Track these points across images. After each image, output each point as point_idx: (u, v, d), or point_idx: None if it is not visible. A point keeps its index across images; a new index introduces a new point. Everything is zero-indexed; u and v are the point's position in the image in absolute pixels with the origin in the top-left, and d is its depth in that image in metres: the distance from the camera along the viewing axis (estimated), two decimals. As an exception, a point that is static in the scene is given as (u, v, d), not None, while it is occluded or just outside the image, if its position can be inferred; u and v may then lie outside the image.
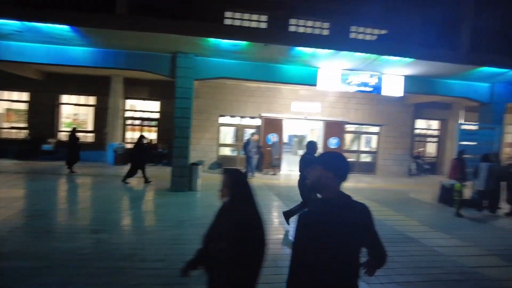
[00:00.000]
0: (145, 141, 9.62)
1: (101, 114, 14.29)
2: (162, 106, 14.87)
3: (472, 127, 10.76)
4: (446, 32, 16.03)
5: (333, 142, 14.45)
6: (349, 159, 1.98)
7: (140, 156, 9.57)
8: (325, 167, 1.79)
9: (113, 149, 13.62)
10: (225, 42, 8.22)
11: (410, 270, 4.45)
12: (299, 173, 5.34)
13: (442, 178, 15.08)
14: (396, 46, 9.16)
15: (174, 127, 9.28)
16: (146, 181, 9.77)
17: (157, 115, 15.05)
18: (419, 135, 16.80)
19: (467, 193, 8.71)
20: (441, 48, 11.36)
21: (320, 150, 14.79)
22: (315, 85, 9.78)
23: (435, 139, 16.99)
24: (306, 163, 5.12)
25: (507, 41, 17.56)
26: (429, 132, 16.96)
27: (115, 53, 9.24)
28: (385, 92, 10.26)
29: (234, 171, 2.19)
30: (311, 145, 5.28)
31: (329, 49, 8.50)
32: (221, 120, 14.21)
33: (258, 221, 2.01)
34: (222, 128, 14.33)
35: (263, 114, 14.06)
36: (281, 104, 14.11)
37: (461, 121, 15.58)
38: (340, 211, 1.72)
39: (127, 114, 14.94)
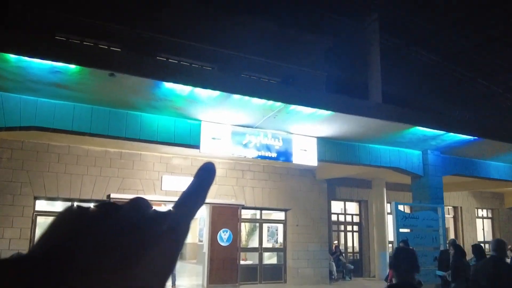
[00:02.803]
0: None
1: None
2: None
3: (408, 207, 10.91)
4: (354, 85, 17.32)
5: (223, 237, 13.13)
6: (412, 252, 2.95)
7: None
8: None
9: None
10: (39, 64, 6.73)
11: None
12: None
13: (371, 282, 14.75)
14: (309, 93, 9.24)
15: None
16: None
17: None
18: (336, 222, 16.83)
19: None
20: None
21: (205, 251, 13.23)
22: (196, 146, 9.41)
23: (355, 227, 17.21)
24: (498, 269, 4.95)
25: (416, 98, 20.09)
26: (348, 217, 17.20)
27: None
28: (297, 159, 10.17)
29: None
30: (500, 245, 5.12)
31: (215, 89, 7.99)
32: (39, 205, 12.05)
33: None
34: (41, 219, 12.01)
35: (113, 196, 12.11)
36: (144, 179, 12.82)
37: (383, 202, 16.05)
38: None
39: None
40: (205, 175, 0.42)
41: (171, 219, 0.39)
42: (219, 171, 13.66)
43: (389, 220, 13.39)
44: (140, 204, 0.39)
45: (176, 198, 0.52)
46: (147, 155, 12.82)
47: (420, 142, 10.93)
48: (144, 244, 0.36)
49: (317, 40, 17.20)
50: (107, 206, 0.38)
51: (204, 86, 7.82)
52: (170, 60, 13.86)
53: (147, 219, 0.38)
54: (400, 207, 10.34)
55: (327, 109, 8.88)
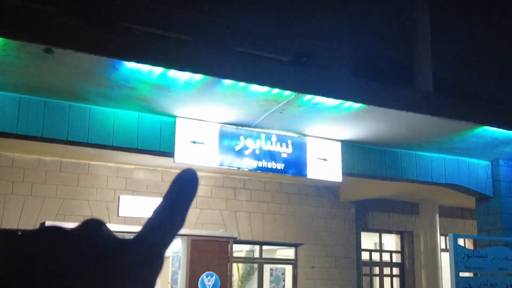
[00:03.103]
0: None
1: None
2: None
3: (471, 241, 10.92)
4: (392, 67, 17.30)
5: (207, 284, 13.18)
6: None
7: None
8: None
9: None
10: None
11: None
12: None
13: None
14: (331, 78, 9.27)
15: None
16: None
17: None
18: (369, 262, 16.90)
19: None
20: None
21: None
22: (169, 153, 9.48)
23: (395, 270, 17.28)
24: None
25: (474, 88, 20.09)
26: (385, 256, 17.28)
27: None
28: (313, 173, 10.24)
29: None
30: None
31: (197, 71, 8.00)
32: None
33: None
34: None
35: (50, 224, 11.99)
36: (94, 201, 12.93)
37: (435, 234, 16.03)
38: None
39: None
40: (184, 186, 0.43)
41: (138, 248, 0.40)
42: (201, 189, 13.64)
43: (445, 259, 13.26)
44: (96, 229, 0.40)
45: (139, 228, 0.48)
46: (98, 166, 12.88)
47: (488, 148, 10.94)
48: (102, 283, 0.37)
49: (342, 5, 17.22)
50: (50, 231, 0.39)
51: (182, 66, 7.76)
52: (133, 29, 13.87)
53: (106, 248, 0.39)
54: (461, 241, 10.26)
55: (356, 100, 8.86)
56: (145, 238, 0.41)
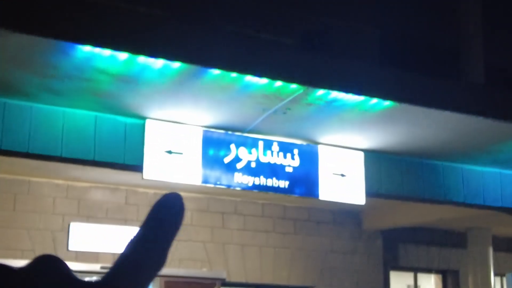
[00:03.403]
0: None
1: None
2: None
3: None
4: (431, 53, 17.36)
5: None
6: None
7: None
8: None
9: None
10: None
11: None
12: None
13: None
14: (352, 66, 9.33)
15: None
16: None
17: None
18: None
19: None
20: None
21: None
22: (136, 167, 9.57)
23: None
24: None
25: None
26: None
27: None
28: (326, 193, 10.38)
29: None
30: None
31: (173, 59, 8.09)
32: None
33: None
34: None
35: None
36: (36, 230, 12.95)
37: (488, 272, 16.05)
38: None
39: None
40: (168, 214, 0.44)
41: None
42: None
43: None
44: (51, 268, 0.39)
45: (96, 266, 0.44)
46: (41, 184, 12.91)
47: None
48: None
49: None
50: None
51: (154, 51, 7.83)
52: (89, 2, 13.91)
53: None
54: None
55: (385, 96, 8.96)
56: (116, 280, 0.40)
